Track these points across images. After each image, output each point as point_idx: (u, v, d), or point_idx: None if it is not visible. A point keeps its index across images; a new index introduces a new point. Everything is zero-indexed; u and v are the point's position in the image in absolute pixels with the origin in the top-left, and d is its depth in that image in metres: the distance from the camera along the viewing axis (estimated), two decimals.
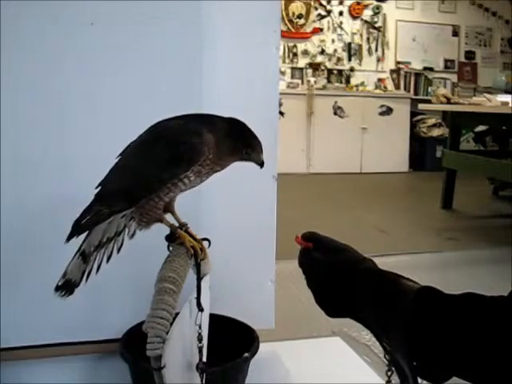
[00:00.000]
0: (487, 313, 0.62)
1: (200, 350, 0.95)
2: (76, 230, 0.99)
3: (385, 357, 0.75)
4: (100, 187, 1.00)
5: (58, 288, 1.01)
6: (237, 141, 0.96)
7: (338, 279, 0.78)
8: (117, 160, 1.00)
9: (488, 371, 0.61)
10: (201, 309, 0.96)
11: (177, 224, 1.02)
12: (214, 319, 1.17)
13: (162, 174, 0.93)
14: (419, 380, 0.68)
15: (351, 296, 0.77)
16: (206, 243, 1.03)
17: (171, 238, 1.00)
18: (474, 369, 0.62)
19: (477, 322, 0.62)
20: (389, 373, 0.75)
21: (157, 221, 0.98)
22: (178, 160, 0.92)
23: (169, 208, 1.01)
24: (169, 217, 1.02)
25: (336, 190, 5.72)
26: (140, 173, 0.96)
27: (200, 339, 0.95)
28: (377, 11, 7.48)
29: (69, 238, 0.99)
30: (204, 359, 0.95)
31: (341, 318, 0.80)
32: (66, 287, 1.01)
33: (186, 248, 0.98)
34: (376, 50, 7.55)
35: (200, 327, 0.95)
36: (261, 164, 0.99)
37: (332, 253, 0.81)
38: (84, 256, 1.00)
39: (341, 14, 7.35)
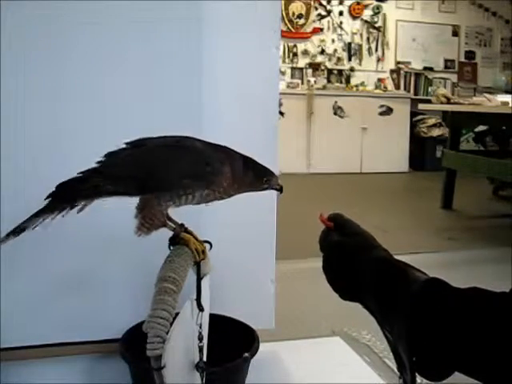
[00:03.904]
0: (490, 308, 0.62)
1: (200, 349, 0.95)
2: (70, 195, 0.95)
3: (397, 369, 0.74)
4: (104, 163, 0.97)
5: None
6: (256, 172, 1.01)
7: (346, 262, 0.79)
8: (125, 147, 0.98)
9: (488, 365, 0.60)
10: (201, 309, 0.96)
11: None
12: (214, 319, 1.17)
13: (180, 180, 0.95)
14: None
15: (356, 281, 0.77)
16: (207, 245, 1.03)
17: (174, 241, 1.00)
18: (475, 364, 0.61)
19: (479, 317, 0.61)
20: (400, 380, 0.75)
21: (160, 226, 0.98)
22: (199, 176, 0.95)
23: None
24: None
25: (336, 189, 5.72)
26: (157, 168, 0.96)
27: (200, 339, 0.95)
28: (377, 11, 7.48)
29: (54, 199, 0.94)
30: (204, 359, 0.96)
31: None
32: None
33: (192, 251, 0.98)
34: (376, 50, 7.55)
35: (201, 327, 0.95)
36: (280, 189, 1.05)
37: (347, 236, 0.82)
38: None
39: (341, 13, 7.35)
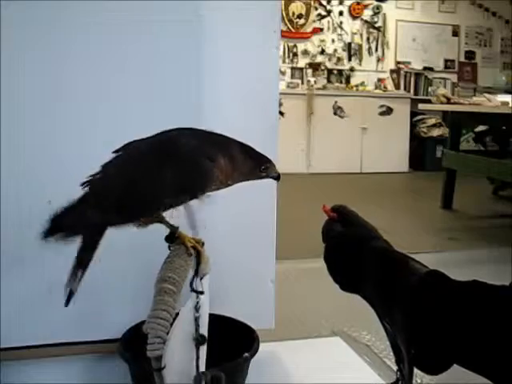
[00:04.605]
0: (490, 300, 0.61)
1: (196, 319, 0.92)
2: (65, 233, 0.92)
3: (395, 362, 0.74)
4: (89, 185, 0.92)
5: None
6: (253, 160, 0.97)
7: (347, 253, 0.79)
8: (114, 156, 0.94)
9: (486, 358, 0.60)
10: (200, 292, 0.94)
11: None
12: (214, 319, 1.17)
13: (164, 199, 0.91)
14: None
15: (356, 272, 0.77)
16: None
17: (171, 239, 1.00)
18: (473, 356, 0.61)
19: (479, 309, 0.61)
20: (397, 374, 0.74)
21: (157, 221, 0.98)
22: (185, 189, 0.91)
23: None
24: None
25: (336, 189, 5.71)
26: (141, 190, 0.91)
27: (197, 310, 0.92)
28: (377, 11, 7.48)
29: (47, 235, 0.92)
30: (205, 333, 0.94)
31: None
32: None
33: (186, 247, 0.97)
34: (376, 49, 7.55)
35: (197, 310, 0.92)
36: (278, 177, 1.01)
37: (350, 227, 0.83)
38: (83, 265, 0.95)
39: (341, 13, 7.35)
